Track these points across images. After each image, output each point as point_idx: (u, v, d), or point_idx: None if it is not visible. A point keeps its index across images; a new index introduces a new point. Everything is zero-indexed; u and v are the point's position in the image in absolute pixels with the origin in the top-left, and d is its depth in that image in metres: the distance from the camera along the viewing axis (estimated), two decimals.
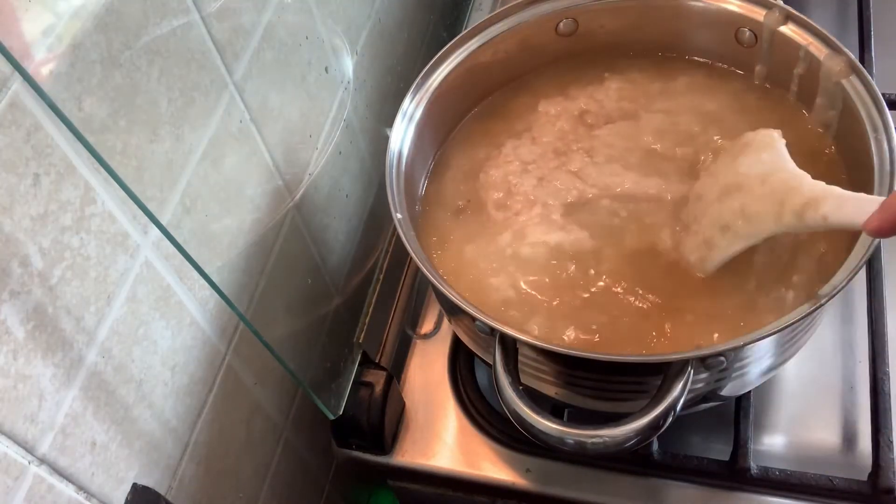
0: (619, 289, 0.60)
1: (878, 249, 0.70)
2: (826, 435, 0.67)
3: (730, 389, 0.60)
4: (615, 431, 0.50)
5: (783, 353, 0.59)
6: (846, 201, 0.51)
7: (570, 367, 0.57)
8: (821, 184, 0.53)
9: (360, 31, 0.73)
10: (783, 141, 0.58)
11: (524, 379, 0.56)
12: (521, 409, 0.51)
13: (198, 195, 0.51)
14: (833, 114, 0.64)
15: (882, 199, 0.50)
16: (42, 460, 0.42)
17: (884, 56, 0.81)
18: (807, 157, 0.59)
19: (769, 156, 0.57)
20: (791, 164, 0.56)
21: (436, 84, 0.68)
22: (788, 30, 0.66)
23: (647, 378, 0.56)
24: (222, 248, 0.55)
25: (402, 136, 0.66)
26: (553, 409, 0.64)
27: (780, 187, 0.55)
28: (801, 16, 0.65)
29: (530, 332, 0.58)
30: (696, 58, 0.73)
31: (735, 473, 0.63)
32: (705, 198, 0.60)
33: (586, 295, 0.61)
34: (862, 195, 0.52)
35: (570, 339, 0.58)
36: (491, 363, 0.55)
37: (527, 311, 0.60)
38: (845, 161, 0.64)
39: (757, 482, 0.63)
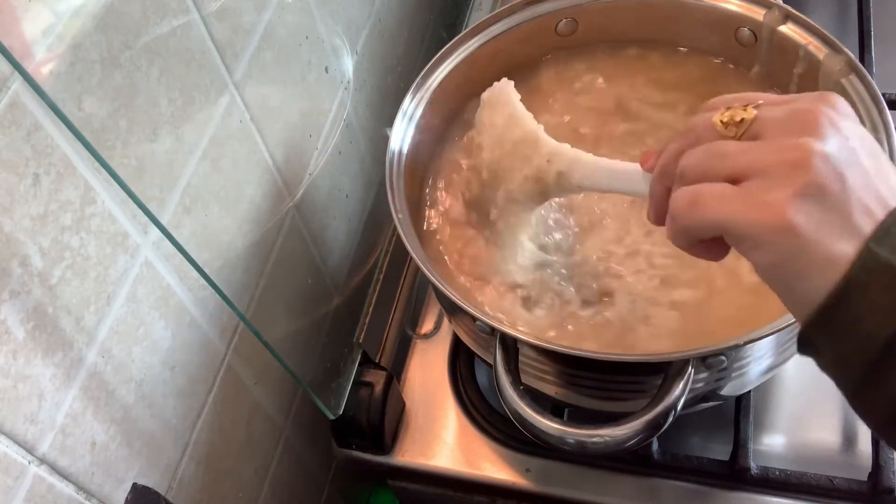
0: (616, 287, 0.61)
1: None
2: (826, 435, 0.67)
3: (730, 389, 0.60)
4: (615, 431, 0.50)
5: (783, 353, 0.59)
6: (578, 162, 0.53)
7: (570, 366, 0.57)
8: (552, 141, 0.55)
9: (360, 31, 0.73)
10: (517, 94, 0.58)
11: (525, 379, 0.56)
12: (522, 408, 0.51)
13: (198, 195, 0.51)
14: None
15: (619, 163, 0.50)
16: (42, 460, 0.42)
17: (884, 56, 0.81)
18: None
19: (505, 111, 0.58)
20: (528, 119, 0.57)
21: (436, 84, 0.68)
22: (788, 29, 0.66)
23: (648, 377, 0.56)
24: (222, 248, 0.55)
25: (402, 136, 0.66)
26: (553, 408, 0.64)
27: (523, 144, 0.56)
28: (801, 15, 0.65)
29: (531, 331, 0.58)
30: (695, 57, 0.73)
31: (735, 473, 0.63)
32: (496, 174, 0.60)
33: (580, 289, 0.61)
34: (597, 159, 0.53)
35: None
36: (491, 363, 0.55)
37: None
38: None
39: (757, 482, 0.63)
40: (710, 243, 0.41)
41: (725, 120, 0.40)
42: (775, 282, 0.38)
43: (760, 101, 0.40)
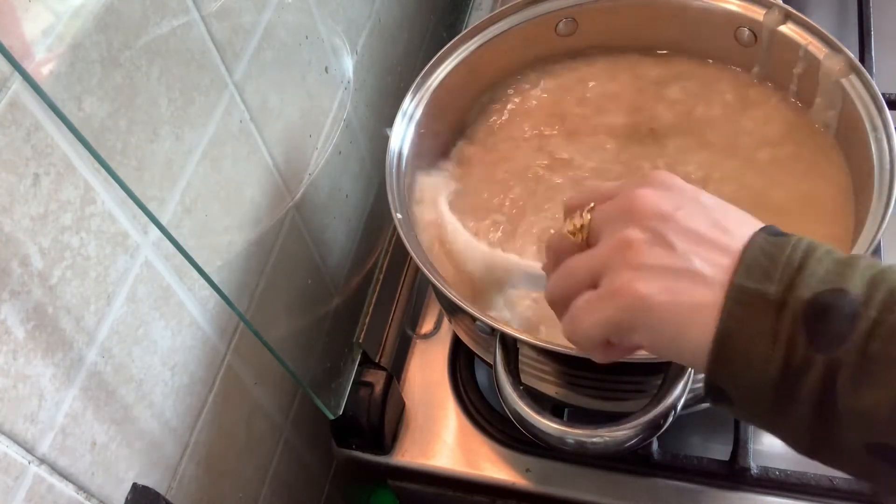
0: None
1: (877, 249, 0.69)
2: None
3: None
4: (615, 431, 0.50)
5: None
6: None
7: (570, 366, 0.57)
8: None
9: (360, 31, 0.73)
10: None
11: (524, 379, 0.56)
12: (522, 408, 0.51)
13: (198, 195, 0.51)
14: (832, 113, 0.64)
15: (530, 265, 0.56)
16: (42, 460, 0.42)
17: (884, 56, 0.81)
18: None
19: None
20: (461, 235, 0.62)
21: (436, 84, 0.68)
22: (788, 29, 0.66)
23: (648, 377, 0.56)
24: (222, 248, 0.55)
25: (402, 136, 0.66)
26: (553, 408, 0.64)
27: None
28: (801, 15, 0.65)
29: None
30: (695, 57, 0.73)
31: (735, 473, 0.63)
32: None
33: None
34: (517, 262, 0.59)
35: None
36: (491, 363, 0.55)
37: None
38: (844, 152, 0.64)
39: (757, 482, 0.63)
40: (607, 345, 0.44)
41: (570, 229, 0.45)
42: (665, 352, 0.41)
43: (592, 204, 0.45)
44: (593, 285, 0.42)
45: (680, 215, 0.41)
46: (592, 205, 0.45)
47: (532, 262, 0.57)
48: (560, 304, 0.45)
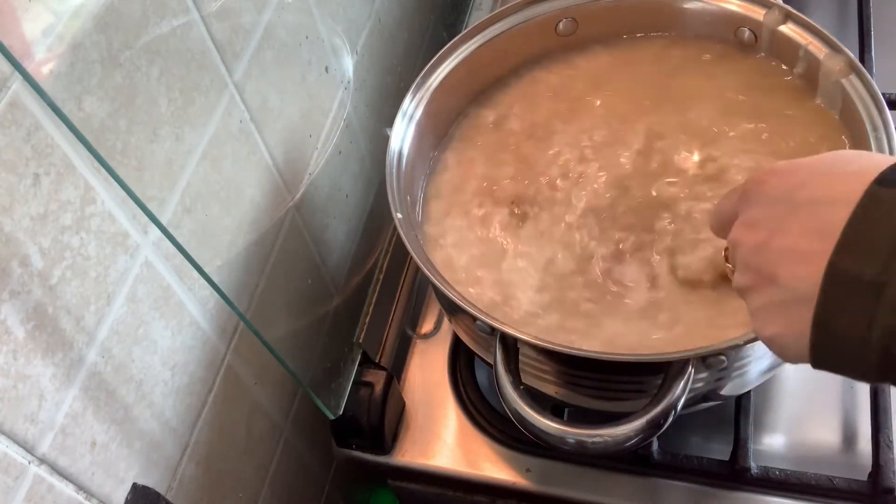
0: (616, 287, 0.60)
1: None
2: (826, 435, 0.67)
3: (730, 389, 0.60)
4: (615, 431, 0.50)
5: None
6: None
7: (570, 366, 0.57)
8: None
9: (360, 31, 0.73)
10: None
11: (525, 378, 0.56)
12: (522, 408, 0.51)
13: (198, 195, 0.51)
14: (832, 113, 0.64)
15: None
16: (42, 460, 0.42)
17: (884, 56, 0.81)
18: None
19: None
20: None
21: (436, 84, 0.68)
22: (788, 29, 0.66)
23: (648, 377, 0.56)
24: (222, 248, 0.55)
25: (402, 136, 0.66)
26: (553, 408, 0.64)
27: None
28: (801, 15, 0.65)
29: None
30: (695, 57, 0.73)
31: (735, 473, 0.63)
32: None
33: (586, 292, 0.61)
34: None
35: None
36: (491, 363, 0.55)
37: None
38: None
39: (757, 482, 0.63)
40: None
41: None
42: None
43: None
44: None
45: (774, 237, 0.40)
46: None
47: None
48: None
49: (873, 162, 0.38)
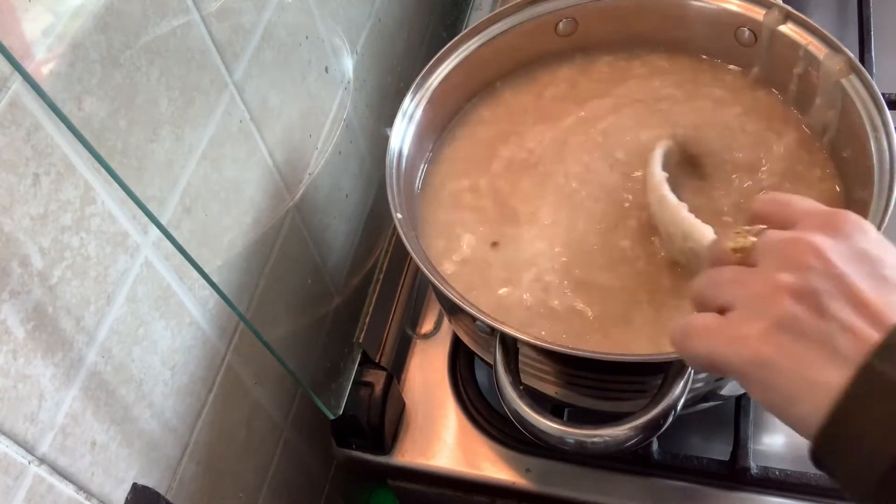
0: (616, 283, 0.61)
1: None
2: None
3: (730, 389, 0.60)
4: (615, 431, 0.50)
5: None
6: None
7: (570, 366, 0.57)
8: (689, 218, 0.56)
9: (360, 31, 0.73)
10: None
11: (524, 378, 0.56)
12: (522, 408, 0.51)
13: (198, 195, 0.51)
14: (832, 113, 0.64)
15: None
16: (42, 460, 0.42)
17: (884, 56, 0.81)
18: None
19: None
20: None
21: (436, 84, 0.68)
22: (788, 29, 0.66)
23: (648, 377, 0.56)
24: (222, 248, 0.55)
25: (402, 136, 0.66)
26: (553, 408, 0.64)
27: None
28: (801, 15, 0.65)
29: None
30: (695, 56, 0.73)
31: (735, 473, 0.63)
32: None
33: (581, 291, 0.61)
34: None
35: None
36: (491, 363, 0.55)
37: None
38: (842, 159, 0.64)
39: (757, 482, 0.63)
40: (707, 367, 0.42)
41: (733, 246, 0.42)
42: (769, 407, 0.38)
43: (764, 227, 0.42)
44: (723, 309, 0.40)
45: (850, 274, 0.37)
46: (763, 227, 0.42)
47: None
48: (695, 303, 0.43)
49: None
